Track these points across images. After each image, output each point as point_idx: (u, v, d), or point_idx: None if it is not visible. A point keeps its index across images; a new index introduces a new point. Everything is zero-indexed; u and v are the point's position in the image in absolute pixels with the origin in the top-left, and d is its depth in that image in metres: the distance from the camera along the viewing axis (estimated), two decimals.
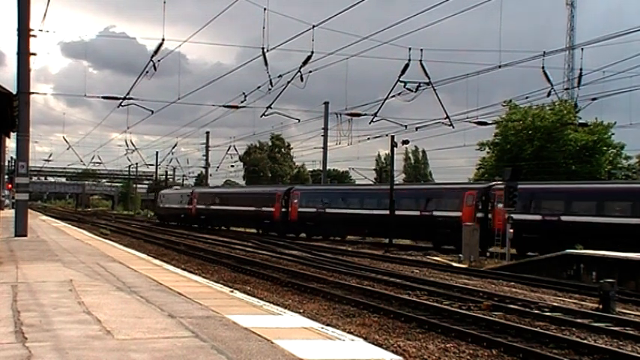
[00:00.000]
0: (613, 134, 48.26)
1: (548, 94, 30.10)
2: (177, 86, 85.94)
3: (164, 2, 25.26)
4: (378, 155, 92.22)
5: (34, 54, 24.62)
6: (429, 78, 28.63)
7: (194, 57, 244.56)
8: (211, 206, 56.55)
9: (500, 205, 30.98)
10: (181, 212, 61.08)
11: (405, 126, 36.78)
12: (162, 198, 68.64)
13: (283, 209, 47.07)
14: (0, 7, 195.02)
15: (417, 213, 37.34)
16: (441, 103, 30.84)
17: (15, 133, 22.24)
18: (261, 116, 34.45)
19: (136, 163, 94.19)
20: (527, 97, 37.17)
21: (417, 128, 36.61)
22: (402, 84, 29.17)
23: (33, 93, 26.32)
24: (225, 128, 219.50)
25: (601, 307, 15.28)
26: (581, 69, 29.76)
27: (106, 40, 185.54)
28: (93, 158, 78.09)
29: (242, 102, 32.24)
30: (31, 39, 24.07)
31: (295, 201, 46.58)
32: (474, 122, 34.47)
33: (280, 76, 28.62)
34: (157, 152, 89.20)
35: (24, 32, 23.78)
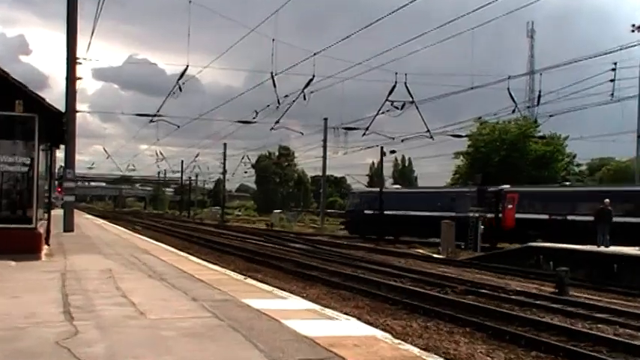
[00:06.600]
0: (567, 145, 49.07)
1: (513, 112, 30.55)
2: (192, 105, 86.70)
3: (188, 35, 25.78)
4: (372, 163, 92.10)
5: (79, 78, 24.78)
6: (412, 98, 29.15)
7: (208, 80, 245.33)
8: (570, 216, 29.06)
9: None
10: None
11: (393, 138, 37.14)
12: (370, 200, 41.61)
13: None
14: (44, 38, 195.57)
15: None
16: (422, 119, 31.13)
17: (63, 146, 22.26)
18: (270, 130, 35.12)
19: (164, 170, 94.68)
20: (495, 114, 37.69)
21: (402, 140, 37.06)
22: (390, 103, 29.70)
23: (79, 112, 26.40)
24: (237, 140, 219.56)
25: (557, 291, 15.33)
26: (540, 90, 30.34)
27: (132, 66, 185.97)
28: (128, 166, 79.00)
29: (254, 118, 33.44)
30: (77, 66, 24.17)
31: None
32: (451, 135, 34.89)
33: (286, 96, 29.43)
34: (182, 161, 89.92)
35: (71, 60, 23.83)
